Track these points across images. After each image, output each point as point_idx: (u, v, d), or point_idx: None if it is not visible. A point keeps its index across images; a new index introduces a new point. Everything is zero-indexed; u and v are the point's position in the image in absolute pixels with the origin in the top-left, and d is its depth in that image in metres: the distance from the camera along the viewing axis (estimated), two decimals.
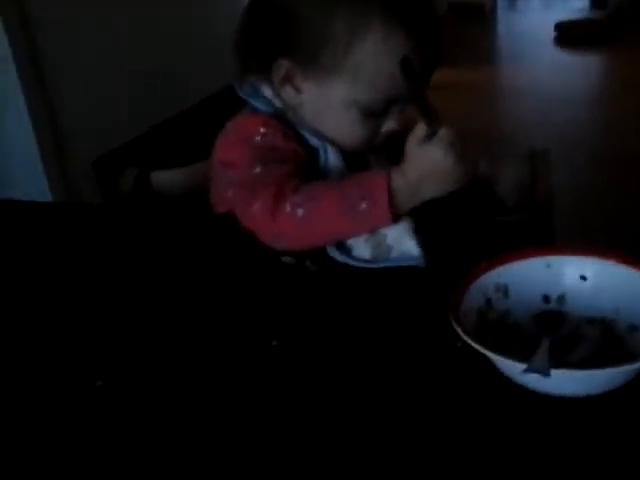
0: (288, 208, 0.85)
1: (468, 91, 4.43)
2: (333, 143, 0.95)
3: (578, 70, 4.94)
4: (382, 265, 0.88)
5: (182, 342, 0.78)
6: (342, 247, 0.88)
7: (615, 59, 5.17)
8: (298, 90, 0.95)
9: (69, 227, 1.09)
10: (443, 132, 0.82)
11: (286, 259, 0.89)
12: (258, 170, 0.89)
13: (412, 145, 0.84)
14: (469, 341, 0.66)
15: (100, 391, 0.70)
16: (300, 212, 0.84)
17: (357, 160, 0.98)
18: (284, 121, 0.95)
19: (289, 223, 0.85)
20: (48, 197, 2.12)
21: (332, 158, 0.95)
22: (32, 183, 2.13)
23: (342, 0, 0.89)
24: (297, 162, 0.92)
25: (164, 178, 1.24)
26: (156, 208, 1.16)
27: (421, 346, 0.74)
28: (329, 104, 0.94)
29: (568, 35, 5.43)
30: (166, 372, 0.73)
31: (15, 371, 0.76)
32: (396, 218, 0.85)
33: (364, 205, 0.84)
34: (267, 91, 0.97)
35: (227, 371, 0.73)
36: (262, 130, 0.93)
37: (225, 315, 0.82)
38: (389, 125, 0.96)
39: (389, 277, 0.87)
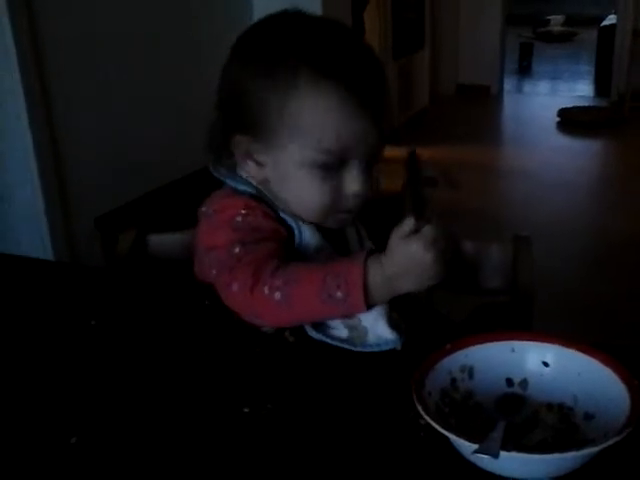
0: (266, 291, 0.87)
1: (470, 170, 4.52)
2: (305, 221, 0.98)
3: (579, 155, 5.04)
4: (360, 349, 0.90)
5: (158, 404, 0.81)
6: (319, 326, 0.91)
7: (616, 146, 5.28)
8: (259, 164, 0.98)
9: (63, 286, 1.12)
10: (427, 229, 0.83)
11: (265, 329, 0.92)
12: (237, 250, 0.92)
13: (396, 239, 0.84)
14: (428, 419, 0.69)
15: (74, 448, 0.73)
16: (277, 295, 0.86)
17: (335, 237, 1.01)
18: (263, 200, 0.99)
19: (266, 305, 0.88)
20: (50, 255, 2.16)
21: (308, 236, 0.97)
22: (35, 240, 2.17)
23: (269, 67, 0.93)
24: (278, 241, 0.95)
25: (161, 241, 1.28)
26: (149, 272, 1.20)
27: (387, 421, 0.77)
28: (285, 171, 0.97)
29: (571, 121, 5.56)
30: (140, 434, 0.76)
31: None
32: (371, 307, 0.87)
33: (340, 294, 0.85)
34: (243, 172, 1.01)
35: (200, 436, 0.75)
36: (243, 211, 0.96)
37: (201, 381, 0.85)
38: (351, 188, 0.96)
39: (363, 353, 0.90)
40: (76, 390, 0.84)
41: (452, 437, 0.67)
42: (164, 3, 2.74)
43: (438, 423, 0.69)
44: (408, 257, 0.83)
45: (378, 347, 0.90)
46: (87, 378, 0.87)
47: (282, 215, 0.98)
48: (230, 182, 1.01)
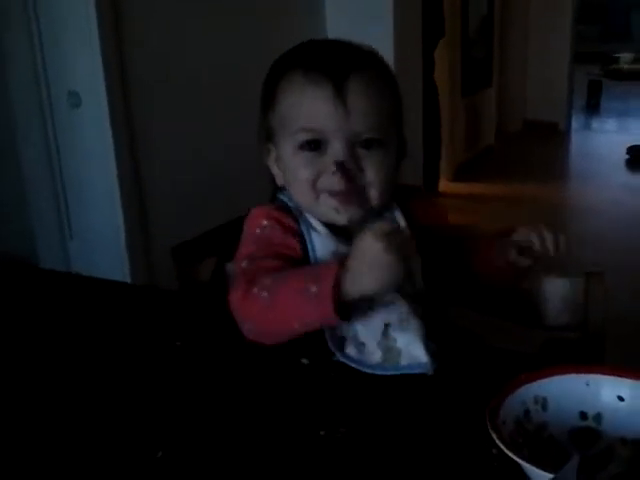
0: (256, 290, 0.91)
1: (536, 206, 4.48)
2: (316, 229, 1.00)
3: None
4: (392, 373, 0.92)
5: (241, 422, 0.84)
6: (354, 351, 0.94)
7: None
8: (281, 170, 1.04)
9: (146, 308, 1.18)
10: (379, 224, 0.87)
11: (303, 360, 0.96)
12: (244, 264, 0.97)
13: (358, 237, 0.88)
14: (503, 448, 0.70)
15: (160, 462, 0.77)
16: (264, 294, 0.90)
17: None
18: (289, 210, 1.03)
19: (255, 304, 0.91)
20: (127, 280, 2.24)
21: (318, 245, 1.00)
22: (114, 265, 2.26)
23: (268, 81, 1.04)
24: (289, 258, 0.98)
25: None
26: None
27: (457, 449, 0.78)
28: (285, 165, 1.02)
29: None
30: (223, 450, 0.79)
31: (80, 440, 0.83)
32: (342, 307, 0.87)
33: (314, 288, 0.87)
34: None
35: (280, 456, 0.78)
36: (264, 223, 1.00)
37: (278, 403, 0.88)
38: (332, 160, 0.98)
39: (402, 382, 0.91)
40: (162, 406, 0.88)
41: (527, 466, 0.68)
42: (245, 38, 2.83)
43: (512, 452, 0.70)
44: (361, 249, 0.86)
45: (410, 369, 0.92)
46: (173, 395, 0.91)
47: (301, 226, 1.01)
48: (280, 196, 1.06)
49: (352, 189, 0.98)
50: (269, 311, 0.90)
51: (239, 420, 0.85)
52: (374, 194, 1.00)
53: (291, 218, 1.01)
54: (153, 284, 2.23)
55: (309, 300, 0.87)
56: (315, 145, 0.98)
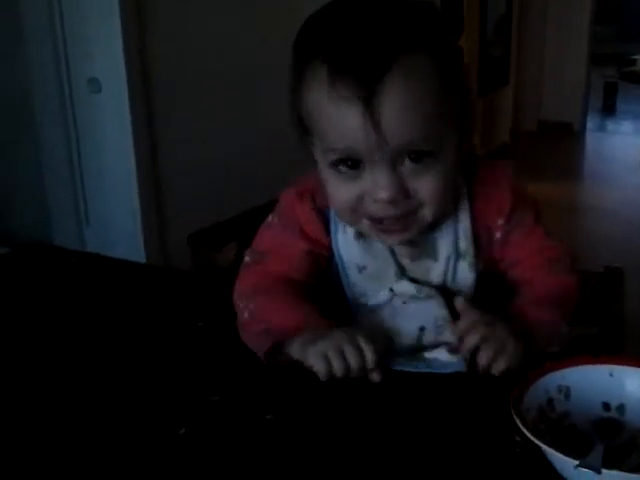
0: (241, 305, 0.97)
1: (550, 206, 4.46)
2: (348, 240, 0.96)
3: None
4: (423, 370, 0.89)
5: (262, 401, 0.84)
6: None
7: None
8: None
9: (168, 290, 1.19)
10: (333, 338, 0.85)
11: (373, 377, 0.93)
12: (248, 258, 1.00)
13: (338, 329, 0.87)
14: (527, 434, 0.70)
15: (182, 438, 0.77)
16: (245, 314, 0.95)
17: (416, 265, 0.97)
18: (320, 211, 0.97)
19: (239, 313, 0.97)
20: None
21: (342, 244, 0.96)
22: (130, 251, 2.27)
23: (294, 71, 0.86)
24: (288, 257, 0.97)
25: None
26: None
27: (480, 435, 0.78)
28: (322, 174, 0.89)
29: None
30: (246, 428, 0.79)
31: (103, 418, 0.83)
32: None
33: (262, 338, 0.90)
34: None
35: (308, 439, 0.78)
36: (277, 214, 0.99)
37: (301, 386, 0.88)
38: (375, 193, 0.84)
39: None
40: (185, 384, 0.89)
41: (552, 452, 0.68)
42: (265, 37, 2.84)
43: (535, 438, 0.69)
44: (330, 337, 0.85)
45: (445, 369, 0.89)
46: (195, 373, 0.92)
47: (331, 223, 0.96)
48: None
49: (398, 216, 0.86)
50: (242, 328, 0.95)
51: (262, 397, 0.85)
52: (427, 214, 0.87)
53: (316, 211, 0.96)
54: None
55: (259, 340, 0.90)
56: (352, 163, 0.83)
